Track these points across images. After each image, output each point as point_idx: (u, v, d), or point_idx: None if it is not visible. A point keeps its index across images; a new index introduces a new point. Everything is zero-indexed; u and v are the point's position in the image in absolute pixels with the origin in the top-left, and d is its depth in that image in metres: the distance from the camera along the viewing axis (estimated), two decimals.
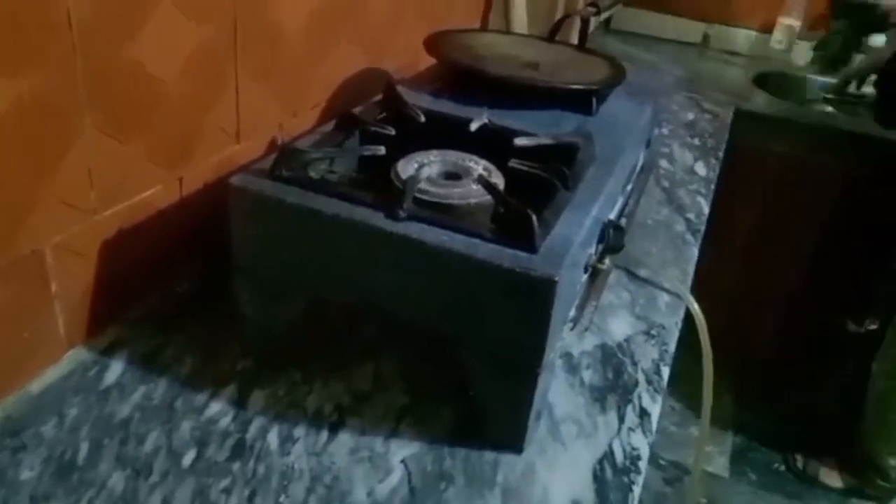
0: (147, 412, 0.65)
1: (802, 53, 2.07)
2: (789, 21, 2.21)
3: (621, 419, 0.71)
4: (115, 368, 0.69)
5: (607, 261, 0.76)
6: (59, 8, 0.59)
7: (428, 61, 0.99)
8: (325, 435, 0.65)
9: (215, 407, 0.67)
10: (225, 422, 0.65)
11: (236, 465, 0.61)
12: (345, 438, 0.65)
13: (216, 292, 0.79)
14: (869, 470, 1.79)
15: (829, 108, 2.08)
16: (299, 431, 0.65)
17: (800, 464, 1.90)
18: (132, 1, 0.65)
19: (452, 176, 0.71)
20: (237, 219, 0.67)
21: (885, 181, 1.73)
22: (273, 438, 0.64)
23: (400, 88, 0.85)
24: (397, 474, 0.62)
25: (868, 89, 2.06)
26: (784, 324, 2.03)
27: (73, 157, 0.64)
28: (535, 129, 0.79)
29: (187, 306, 0.79)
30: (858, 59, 2.02)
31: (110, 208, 0.70)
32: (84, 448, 0.61)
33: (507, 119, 0.82)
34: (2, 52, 0.55)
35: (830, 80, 2.09)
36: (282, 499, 0.58)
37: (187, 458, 0.61)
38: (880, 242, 1.77)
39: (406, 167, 0.70)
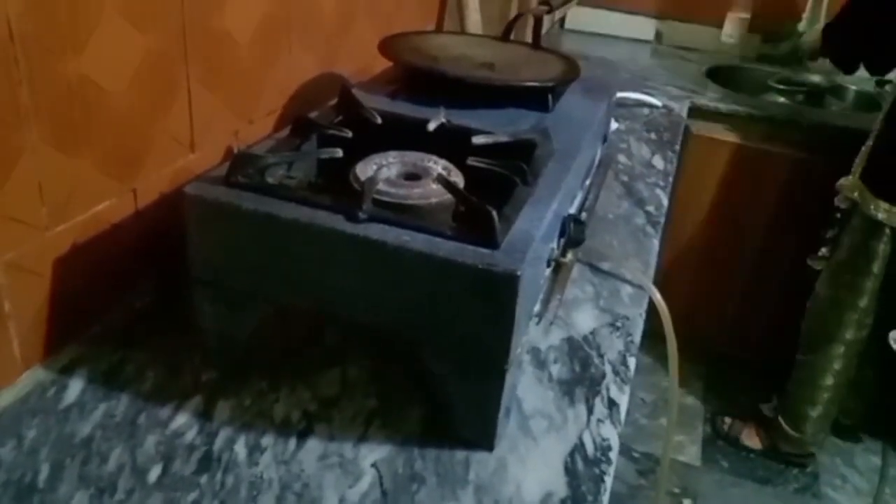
0: (109, 430, 0.64)
1: None
2: (739, 14, 2.25)
3: (590, 411, 0.71)
4: (75, 387, 0.68)
5: (569, 254, 0.77)
6: None
7: (383, 64, 0.99)
8: (293, 443, 0.64)
9: (180, 420, 0.65)
10: (190, 435, 0.64)
11: (204, 478, 0.60)
12: (314, 445, 0.64)
13: (175, 304, 0.77)
14: (787, 417, 1.84)
15: (781, 99, 2.13)
16: (267, 440, 0.64)
17: (725, 426, 2.00)
18: (76, 13, 0.64)
19: (412, 176, 0.71)
20: (193, 228, 0.66)
21: (832, 165, 1.77)
22: (240, 449, 0.63)
23: (356, 91, 0.85)
24: (368, 478, 0.61)
25: (815, 77, 2.12)
26: (742, 309, 2.09)
27: (20, 173, 0.62)
28: (492, 128, 0.79)
29: (146, 320, 0.78)
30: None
31: (62, 224, 0.69)
32: (44, 469, 0.59)
33: (465, 119, 0.82)
34: None
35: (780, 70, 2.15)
36: None
37: (153, 474, 0.60)
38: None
39: (365, 169, 0.70)
